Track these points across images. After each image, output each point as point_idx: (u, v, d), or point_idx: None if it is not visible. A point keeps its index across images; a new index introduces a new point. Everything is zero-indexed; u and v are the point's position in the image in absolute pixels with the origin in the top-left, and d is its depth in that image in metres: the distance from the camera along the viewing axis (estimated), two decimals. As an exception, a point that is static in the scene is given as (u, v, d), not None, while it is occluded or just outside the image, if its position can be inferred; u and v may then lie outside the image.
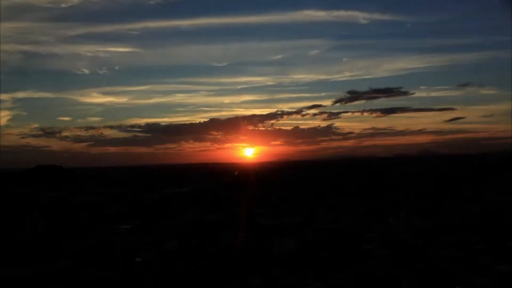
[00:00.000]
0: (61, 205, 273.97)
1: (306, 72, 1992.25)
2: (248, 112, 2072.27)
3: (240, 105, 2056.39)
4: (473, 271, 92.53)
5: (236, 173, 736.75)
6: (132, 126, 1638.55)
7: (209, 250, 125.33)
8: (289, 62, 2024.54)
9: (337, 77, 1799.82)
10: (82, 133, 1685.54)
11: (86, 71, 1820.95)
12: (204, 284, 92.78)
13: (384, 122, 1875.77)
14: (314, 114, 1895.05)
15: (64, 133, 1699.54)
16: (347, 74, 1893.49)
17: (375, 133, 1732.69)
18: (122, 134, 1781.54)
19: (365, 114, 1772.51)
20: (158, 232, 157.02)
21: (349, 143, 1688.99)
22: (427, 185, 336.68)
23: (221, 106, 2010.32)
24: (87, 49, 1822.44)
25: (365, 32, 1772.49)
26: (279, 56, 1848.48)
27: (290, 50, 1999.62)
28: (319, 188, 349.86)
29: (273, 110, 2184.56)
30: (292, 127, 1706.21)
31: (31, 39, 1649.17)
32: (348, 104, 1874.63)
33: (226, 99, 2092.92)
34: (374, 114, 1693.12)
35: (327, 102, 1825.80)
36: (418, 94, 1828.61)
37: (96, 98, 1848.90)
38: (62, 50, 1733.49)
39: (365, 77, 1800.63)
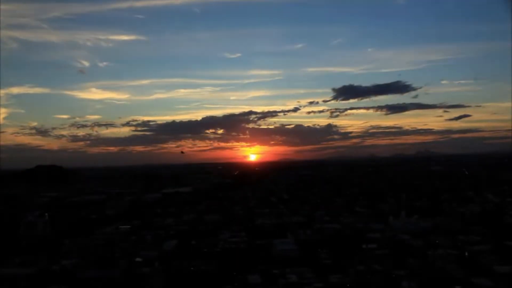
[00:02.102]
0: (61, 205, 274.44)
1: (323, 64, 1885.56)
2: (252, 109, 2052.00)
3: (246, 102, 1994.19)
4: (473, 271, 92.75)
5: (236, 173, 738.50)
6: (132, 124, 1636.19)
7: (209, 250, 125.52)
8: (307, 53, 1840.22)
9: (354, 70, 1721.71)
10: (81, 132, 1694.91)
11: (86, 63, 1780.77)
12: (204, 284, 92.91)
13: (388, 120, 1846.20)
14: (320, 111, 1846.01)
15: (62, 132, 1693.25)
16: (366, 66, 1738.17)
17: (378, 132, 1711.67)
18: (121, 133, 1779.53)
19: (371, 110, 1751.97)
20: (158, 232, 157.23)
21: (350, 142, 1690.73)
22: (427, 185, 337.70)
23: (226, 103, 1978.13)
24: (86, 37, 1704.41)
25: (400, 14, 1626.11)
26: (298, 45, 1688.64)
27: (311, 38, 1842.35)
28: (319, 188, 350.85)
29: (278, 108, 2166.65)
30: (293, 125, 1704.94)
31: (21, 23, 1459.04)
32: (355, 100, 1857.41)
33: (232, 95, 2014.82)
34: (379, 112, 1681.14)
35: (335, 99, 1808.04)
36: (431, 89, 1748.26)
37: (95, 94, 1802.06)
38: (58, 38, 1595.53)
39: (384, 70, 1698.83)
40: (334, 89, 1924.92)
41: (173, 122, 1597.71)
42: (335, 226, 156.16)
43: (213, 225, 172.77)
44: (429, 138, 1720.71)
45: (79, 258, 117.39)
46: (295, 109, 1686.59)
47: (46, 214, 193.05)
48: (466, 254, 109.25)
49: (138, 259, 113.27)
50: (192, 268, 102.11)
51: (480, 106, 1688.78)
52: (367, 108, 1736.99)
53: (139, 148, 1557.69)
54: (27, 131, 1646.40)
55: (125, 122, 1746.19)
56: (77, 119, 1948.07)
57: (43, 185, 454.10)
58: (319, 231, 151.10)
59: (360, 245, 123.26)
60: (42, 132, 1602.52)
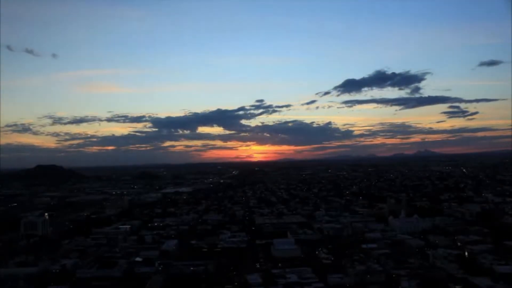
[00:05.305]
0: (61, 205, 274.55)
1: (349, 47, 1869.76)
2: (253, 104, 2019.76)
3: (251, 96, 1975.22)
4: (473, 271, 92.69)
5: (235, 173, 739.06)
6: (131, 121, 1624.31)
7: (209, 250, 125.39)
8: (337, 33, 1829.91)
9: (362, 57, 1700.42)
10: (79, 130, 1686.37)
11: (84, 49, 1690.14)
12: (204, 284, 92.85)
13: (394, 118, 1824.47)
14: (329, 107, 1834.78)
15: (60, 130, 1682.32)
16: (379, 53, 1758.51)
17: (383, 130, 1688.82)
18: (121, 131, 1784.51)
19: (377, 106, 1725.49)
20: (158, 232, 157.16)
21: (353, 141, 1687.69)
22: (427, 185, 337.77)
23: (229, 98, 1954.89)
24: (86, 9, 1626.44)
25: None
26: (333, 24, 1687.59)
27: (354, 9, 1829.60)
28: (319, 188, 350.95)
29: (279, 103, 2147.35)
30: (294, 123, 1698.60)
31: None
32: (359, 95, 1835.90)
33: (238, 88, 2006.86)
34: (384, 108, 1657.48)
35: (340, 92, 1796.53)
36: (439, 82, 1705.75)
37: (95, 89, 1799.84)
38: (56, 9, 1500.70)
39: (395, 58, 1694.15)
40: (337, 85, 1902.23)
41: (175, 119, 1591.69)
42: (335, 226, 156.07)
43: (213, 225, 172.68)
44: (437, 137, 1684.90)
45: (79, 258, 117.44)
46: (289, 106, 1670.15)
47: (46, 214, 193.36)
48: (466, 254, 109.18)
49: (138, 259, 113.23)
50: (192, 268, 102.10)
51: (494, 100, 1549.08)
52: (375, 102, 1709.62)
53: (138, 147, 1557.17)
54: (24, 129, 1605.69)
55: (125, 119, 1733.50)
56: (76, 116, 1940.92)
57: (43, 185, 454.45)
58: (319, 231, 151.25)
59: (360, 245, 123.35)
60: (39, 130, 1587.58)
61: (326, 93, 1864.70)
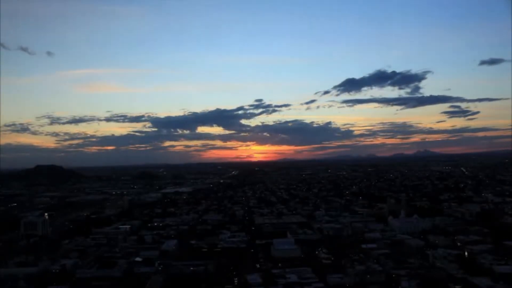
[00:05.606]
0: (61, 205, 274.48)
1: (349, 46, 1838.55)
2: (253, 103, 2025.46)
3: (251, 96, 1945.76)
4: (473, 271, 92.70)
5: (235, 173, 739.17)
6: (130, 121, 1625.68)
7: (209, 250, 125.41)
8: (337, 33, 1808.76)
9: (362, 56, 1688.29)
10: (78, 130, 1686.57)
11: (81, 45, 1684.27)
12: (204, 284, 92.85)
13: (392, 117, 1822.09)
14: (330, 106, 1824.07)
15: (59, 130, 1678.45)
16: (379, 52, 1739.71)
17: (383, 130, 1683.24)
18: (120, 131, 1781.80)
19: (377, 105, 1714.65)
20: (158, 232, 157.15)
21: (351, 141, 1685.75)
22: (427, 185, 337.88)
23: (229, 98, 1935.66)
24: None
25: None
26: (333, 24, 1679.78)
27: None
28: (319, 188, 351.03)
29: (279, 102, 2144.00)
30: (294, 123, 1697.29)
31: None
32: (357, 93, 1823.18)
33: (238, 88, 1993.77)
34: (385, 108, 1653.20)
35: (340, 91, 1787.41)
36: (441, 80, 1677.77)
37: (94, 88, 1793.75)
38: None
39: (396, 57, 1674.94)
40: (336, 85, 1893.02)
41: (169, 118, 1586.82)
42: (335, 226, 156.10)
43: (213, 225, 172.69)
44: (437, 137, 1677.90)
45: (79, 258, 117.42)
46: (288, 105, 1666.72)
47: (46, 214, 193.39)
48: (466, 254, 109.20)
49: (138, 259, 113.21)
50: (192, 268, 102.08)
51: (496, 99, 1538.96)
52: (375, 101, 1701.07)
53: (137, 147, 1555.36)
54: (23, 128, 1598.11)
55: (124, 118, 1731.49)
56: (75, 115, 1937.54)
57: (43, 185, 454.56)
58: (319, 231, 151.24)
59: (360, 245, 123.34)
60: (39, 130, 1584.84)
61: (326, 92, 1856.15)
